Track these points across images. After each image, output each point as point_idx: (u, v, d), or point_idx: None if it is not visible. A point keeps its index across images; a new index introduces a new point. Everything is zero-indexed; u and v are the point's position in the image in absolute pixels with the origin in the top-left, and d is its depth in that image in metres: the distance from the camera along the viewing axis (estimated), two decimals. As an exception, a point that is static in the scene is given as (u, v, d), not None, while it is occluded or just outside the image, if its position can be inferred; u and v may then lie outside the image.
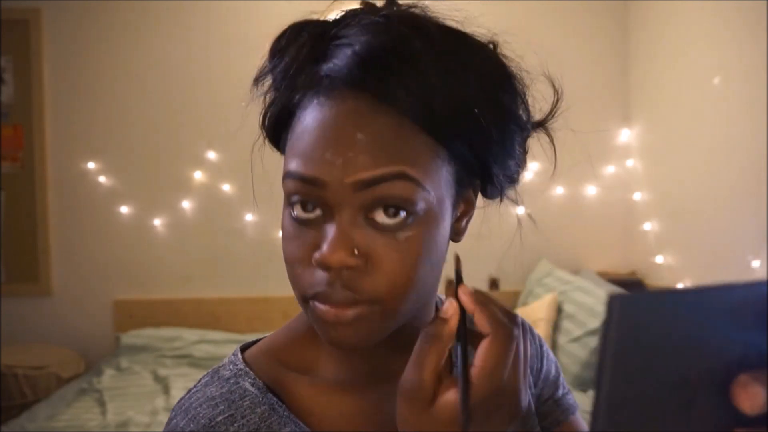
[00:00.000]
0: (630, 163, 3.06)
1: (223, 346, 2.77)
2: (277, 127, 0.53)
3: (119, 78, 3.03)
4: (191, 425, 0.52)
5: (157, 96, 3.04)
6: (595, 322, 2.31)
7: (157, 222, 3.05)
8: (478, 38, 0.51)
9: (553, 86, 0.56)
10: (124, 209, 3.04)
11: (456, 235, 0.54)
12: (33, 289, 3.02)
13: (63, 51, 3.02)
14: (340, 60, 0.47)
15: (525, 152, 0.56)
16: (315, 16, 0.52)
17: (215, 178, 3.03)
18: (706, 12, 2.48)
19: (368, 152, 0.46)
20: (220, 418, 0.53)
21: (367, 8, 0.52)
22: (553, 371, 0.71)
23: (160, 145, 3.04)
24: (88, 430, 2.05)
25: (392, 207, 0.46)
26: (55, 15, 3.01)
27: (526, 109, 0.54)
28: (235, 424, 0.52)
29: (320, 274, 0.47)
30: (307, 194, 0.47)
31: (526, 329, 0.64)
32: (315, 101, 0.48)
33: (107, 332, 3.02)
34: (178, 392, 2.31)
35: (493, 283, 3.08)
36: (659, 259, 2.81)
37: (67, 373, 2.72)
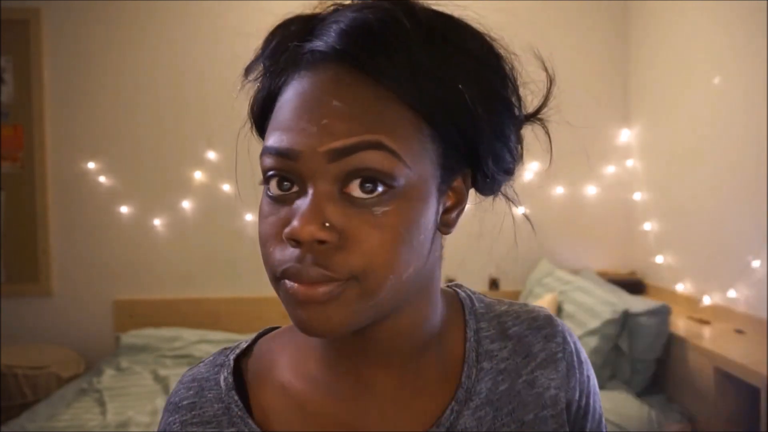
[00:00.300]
0: (630, 163, 3.06)
1: (223, 346, 2.77)
2: (262, 115, 0.51)
3: (119, 78, 3.03)
4: (171, 397, 0.57)
5: (157, 96, 3.04)
6: (595, 322, 2.31)
7: (157, 222, 3.06)
8: (469, 22, 0.50)
9: (545, 69, 0.53)
10: (124, 209, 3.04)
11: (444, 226, 0.51)
12: (33, 289, 3.02)
13: (63, 51, 3.02)
14: (324, 35, 0.46)
15: (519, 143, 0.53)
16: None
17: (215, 178, 3.04)
18: (705, 12, 2.48)
19: (344, 119, 0.44)
20: (185, 402, 0.56)
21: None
22: (597, 408, 0.62)
23: (160, 145, 3.04)
24: (88, 430, 2.05)
25: (369, 181, 0.44)
26: (55, 15, 3.01)
27: (518, 95, 0.51)
28: (192, 413, 0.55)
29: (291, 251, 0.44)
30: (282, 168, 0.46)
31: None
32: (296, 76, 0.47)
33: (107, 332, 3.02)
34: (178, 392, 2.31)
35: (493, 283, 3.08)
36: (659, 259, 2.81)
37: (67, 373, 2.72)
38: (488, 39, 0.50)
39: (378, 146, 0.44)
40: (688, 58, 2.60)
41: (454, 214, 0.52)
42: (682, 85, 2.65)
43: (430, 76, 0.45)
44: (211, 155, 3.03)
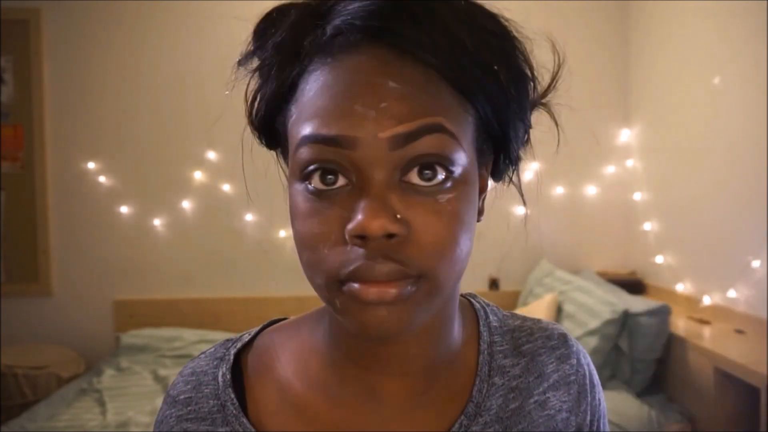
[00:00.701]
0: (630, 163, 3.06)
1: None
2: (270, 113, 0.47)
3: (119, 78, 3.03)
4: (171, 389, 0.55)
5: (157, 96, 3.04)
6: (595, 322, 2.31)
7: (157, 222, 3.06)
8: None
9: (555, 50, 0.51)
10: (124, 209, 3.04)
11: (479, 214, 0.49)
12: (33, 289, 3.02)
13: (63, 51, 3.02)
14: (351, 14, 0.41)
15: (529, 127, 0.52)
16: None
17: (215, 178, 3.04)
18: (705, 12, 2.48)
19: (404, 101, 0.40)
20: (182, 397, 0.54)
21: None
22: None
23: (160, 145, 3.04)
24: (88, 430, 2.05)
25: (428, 167, 0.41)
26: (55, 15, 3.01)
27: (534, 78, 0.49)
28: (188, 408, 0.53)
29: (355, 251, 0.40)
30: (330, 160, 0.41)
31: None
32: (327, 61, 0.42)
33: (107, 332, 3.02)
34: (178, 392, 2.31)
35: (493, 283, 3.08)
36: (659, 259, 2.81)
37: (67, 373, 2.72)
38: (508, 24, 0.48)
39: (440, 129, 0.41)
40: (688, 58, 2.60)
41: (481, 201, 0.50)
42: (682, 85, 2.65)
43: (469, 54, 0.42)
44: (211, 155, 3.03)
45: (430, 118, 0.40)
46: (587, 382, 0.58)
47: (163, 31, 3.05)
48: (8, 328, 2.90)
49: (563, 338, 0.59)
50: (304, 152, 0.42)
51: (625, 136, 3.07)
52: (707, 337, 2.22)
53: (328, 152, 0.41)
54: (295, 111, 0.44)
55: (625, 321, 2.30)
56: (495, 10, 0.47)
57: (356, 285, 0.41)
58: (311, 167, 0.41)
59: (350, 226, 0.39)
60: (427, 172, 0.41)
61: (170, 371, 2.56)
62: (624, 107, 3.10)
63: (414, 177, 0.41)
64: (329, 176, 0.41)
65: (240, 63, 0.48)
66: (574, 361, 0.58)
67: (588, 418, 0.57)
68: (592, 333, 2.30)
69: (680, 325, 2.35)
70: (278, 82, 0.45)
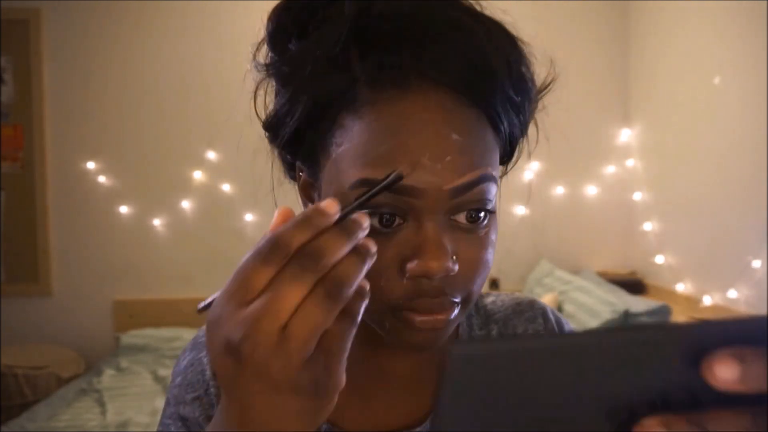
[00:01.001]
0: (630, 163, 3.06)
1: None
2: (301, 131, 0.47)
3: (119, 78, 3.03)
4: (180, 363, 0.59)
5: (157, 96, 3.04)
6: (595, 323, 2.31)
7: (157, 222, 3.05)
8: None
9: (552, 65, 0.54)
10: (124, 209, 3.04)
11: None
12: (33, 289, 3.01)
13: (63, 51, 3.02)
14: (407, 45, 0.43)
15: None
16: None
17: (215, 178, 3.03)
18: (705, 13, 2.48)
19: (465, 154, 0.43)
20: (187, 372, 0.57)
21: None
22: None
23: (160, 145, 3.04)
24: (88, 430, 2.05)
25: (476, 210, 0.45)
26: (55, 15, 3.00)
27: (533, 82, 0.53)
28: (207, 373, 0.56)
29: (412, 283, 0.44)
30: (391, 204, 0.43)
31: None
32: (378, 98, 0.43)
33: (107, 332, 3.02)
34: (178, 392, 2.31)
35: (493, 283, 3.08)
36: (659, 259, 2.81)
37: (67, 373, 2.72)
38: (520, 42, 0.50)
39: (489, 178, 0.45)
40: (688, 58, 2.60)
41: None
42: (682, 85, 2.65)
43: (514, 102, 0.46)
44: (211, 155, 3.03)
45: (483, 169, 0.44)
46: (556, 331, 0.63)
47: (164, 31, 3.05)
48: (8, 328, 2.90)
49: (531, 302, 0.64)
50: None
51: (625, 136, 3.07)
52: (707, 337, 2.22)
53: (390, 198, 0.43)
54: (342, 140, 0.44)
55: (626, 321, 2.29)
56: (508, 26, 0.49)
57: (411, 314, 0.45)
58: (369, 209, 0.43)
59: (413, 266, 0.43)
60: (472, 215, 0.46)
61: (170, 371, 2.56)
62: (624, 107, 3.10)
63: (461, 218, 0.45)
64: (386, 216, 0.44)
65: (258, 67, 0.49)
66: (541, 319, 0.62)
67: None
68: (592, 333, 2.30)
69: (680, 325, 2.34)
70: (315, 104, 0.45)
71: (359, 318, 0.37)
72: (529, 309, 0.63)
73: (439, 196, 0.43)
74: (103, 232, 3.04)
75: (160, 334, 2.86)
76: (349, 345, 0.37)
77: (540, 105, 0.54)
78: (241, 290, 0.34)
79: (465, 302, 0.47)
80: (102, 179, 3.03)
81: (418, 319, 0.45)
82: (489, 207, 0.46)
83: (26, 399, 2.57)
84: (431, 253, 0.43)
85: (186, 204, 3.06)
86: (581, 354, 0.28)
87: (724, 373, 0.26)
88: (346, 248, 0.35)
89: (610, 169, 3.08)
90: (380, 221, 0.44)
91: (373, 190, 0.39)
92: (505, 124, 0.47)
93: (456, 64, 0.43)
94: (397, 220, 0.44)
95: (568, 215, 3.05)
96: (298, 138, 0.48)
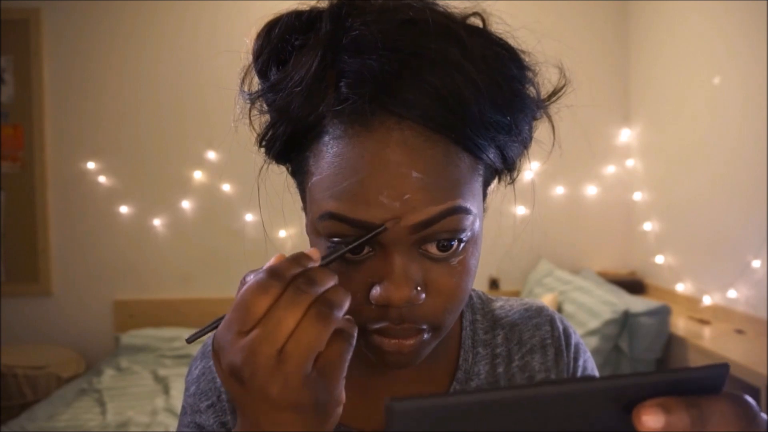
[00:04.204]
0: (630, 163, 3.06)
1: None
2: (287, 146, 0.49)
3: (119, 78, 3.03)
4: (193, 371, 0.61)
5: (157, 96, 3.04)
6: (595, 323, 2.31)
7: (157, 222, 3.05)
8: (490, 30, 0.48)
9: (562, 72, 0.53)
10: (124, 209, 3.04)
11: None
12: (33, 289, 3.02)
13: (63, 51, 3.02)
14: (357, 76, 0.43)
15: (531, 133, 0.53)
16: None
17: (215, 178, 3.04)
18: (705, 12, 2.48)
19: (425, 191, 0.43)
20: (200, 378, 0.60)
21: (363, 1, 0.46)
22: None
23: (160, 145, 3.04)
24: (88, 430, 2.05)
25: (446, 240, 0.45)
26: (55, 15, 3.01)
27: (537, 91, 0.51)
28: (218, 381, 0.58)
29: (380, 310, 0.46)
30: (354, 236, 0.44)
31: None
32: (348, 129, 0.44)
33: (107, 332, 3.02)
34: (178, 392, 2.31)
35: (493, 283, 3.08)
36: (659, 259, 2.81)
37: (67, 373, 2.72)
38: (516, 50, 0.48)
39: (457, 211, 0.44)
40: (688, 58, 2.60)
41: (485, 203, 0.55)
42: (682, 85, 2.65)
43: (486, 119, 0.44)
44: (211, 155, 3.03)
45: (449, 203, 0.44)
46: (563, 342, 0.63)
47: (163, 31, 3.05)
48: (8, 328, 2.90)
49: (540, 309, 0.65)
50: (330, 226, 0.45)
51: (625, 136, 3.07)
52: (707, 337, 2.22)
53: (354, 231, 0.44)
54: (315, 169, 0.46)
55: (626, 321, 2.30)
56: (501, 38, 0.48)
57: (380, 337, 0.47)
58: (337, 239, 0.45)
59: (376, 294, 0.45)
60: (443, 244, 0.45)
61: (170, 371, 2.56)
62: (624, 107, 3.10)
63: (432, 248, 0.46)
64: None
65: (244, 95, 0.50)
66: (548, 327, 0.63)
67: (569, 372, 0.63)
68: (592, 333, 2.30)
69: (680, 325, 2.35)
70: (293, 131, 0.47)
71: (354, 340, 0.41)
72: (537, 315, 0.64)
73: (400, 232, 0.43)
74: (102, 232, 3.04)
75: (159, 334, 2.86)
76: (346, 364, 0.40)
77: (553, 109, 0.53)
78: (240, 318, 0.38)
79: (435, 329, 0.48)
80: (102, 179, 3.03)
81: (386, 341, 0.47)
82: (462, 236, 0.46)
83: (26, 399, 2.57)
84: (394, 283, 0.44)
85: (186, 204, 3.06)
86: (518, 407, 0.29)
87: (650, 422, 0.29)
88: (333, 281, 0.40)
89: (610, 169, 3.08)
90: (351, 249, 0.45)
91: (350, 246, 0.43)
92: (490, 149, 0.46)
93: (421, 98, 0.42)
94: (366, 249, 0.45)
95: (568, 215, 3.05)
96: (285, 158, 0.51)
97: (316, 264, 0.40)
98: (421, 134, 0.43)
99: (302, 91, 0.45)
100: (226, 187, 3.03)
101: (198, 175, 3.05)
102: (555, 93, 0.52)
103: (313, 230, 0.47)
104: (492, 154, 0.47)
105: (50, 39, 3.01)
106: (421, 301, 0.45)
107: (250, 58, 0.49)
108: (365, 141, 0.43)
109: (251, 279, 0.40)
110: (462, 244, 0.46)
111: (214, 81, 3.02)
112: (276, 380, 0.37)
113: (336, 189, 0.44)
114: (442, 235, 0.45)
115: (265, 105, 0.50)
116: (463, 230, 0.45)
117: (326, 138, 0.45)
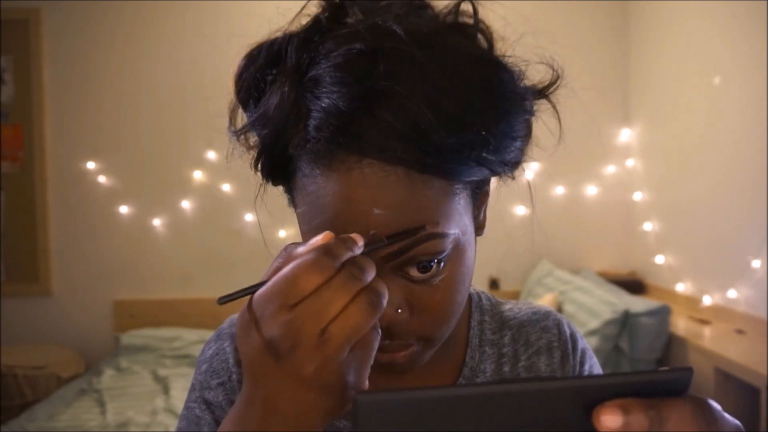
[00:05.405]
0: (630, 163, 3.06)
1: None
2: (275, 175, 0.50)
3: (119, 78, 3.03)
4: (204, 350, 0.63)
5: (157, 96, 3.04)
6: (596, 323, 2.31)
7: (157, 222, 3.06)
8: (461, 36, 0.47)
9: (552, 68, 0.52)
10: (124, 209, 3.04)
11: (479, 230, 0.54)
12: (33, 289, 3.02)
13: (63, 51, 3.02)
14: (320, 120, 0.43)
15: (530, 129, 0.51)
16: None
17: (215, 178, 3.04)
18: (705, 12, 2.48)
19: (390, 224, 0.43)
20: (211, 361, 0.61)
21: (332, 23, 0.46)
22: None
23: (160, 145, 3.04)
24: (88, 430, 2.05)
25: (425, 262, 0.46)
26: (55, 15, 3.01)
27: (529, 92, 0.49)
28: (230, 361, 0.60)
29: None
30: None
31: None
32: (315, 169, 0.45)
33: (107, 332, 3.02)
34: (178, 392, 2.31)
35: (493, 283, 3.08)
36: (659, 259, 2.81)
37: (67, 373, 2.72)
38: (491, 54, 0.47)
39: (430, 237, 0.45)
40: (688, 58, 2.60)
41: (482, 215, 0.55)
42: (682, 85, 2.65)
43: (457, 141, 0.43)
44: (211, 155, 3.03)
45: (422, 230, 0.44)
46: (569, 346, 0.64)
47: (163, 31, 3.05)
48: (8, 328, 2.90)
49: (547, 312, 0.66)
50: None
51: (625, 136, 3.07)
52: (707, 337, 2.22)
53: None
54: (297, 200, 0.48)
55: (626, 321, 2.30)
56: (471, 45, 0.47)
57: None
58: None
59: None
60: (423, 266, 0.46)
61: (170, 371, 2.56)
62: (624, 107, 3.10)
63: (412, 271, 0.46)
64: None
65: (230, 131, 0.51)
66: (556, 330, 0.64)
67: (574, 373, 0.64)
68: (592, 333, 2.30)
69: (680, 325, 2.35)
70: (272, 156, 0.48)
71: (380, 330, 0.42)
72: (545, 319, 0.65)
73: (375, 260, 0.43)
74: (102, 232, 3.04)
75: (159, 334, 2.86)
76: (375, 352, 0.41)
77: (547, 105, 0.52)
78: (286, 292, 0.38)
79: (427, 341, 0.49)
80: (102, 179, 3.03)
81: (379, 355, 0.47)
82: (442, 257, 0.46)
83: (26, 399, 2.57)
84: None
85: (186, 204, 3.06)
86: (482, 403, 0.30)
87: (608, 421, 0.30)
88: (375, 272, 0.40)
89: (610, 169, 3.08)
90: None
91: (388, 243, 0.44)
92: (465, 168, 0.44)
93: (376, 135, 0.42)
94: None
95: (568, 215, 3.05)
96: (276, 183, 0.52)
97: (361, 250, 0.40)
98: (381, 170, 0.43)
99: (274, 131, 0.46)
100: (226, 187, 3.03)
101: (198, 175, 3.05)
102: (551, 85, 0.51)
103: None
104: (469, 172, 0.45)
105: (50, 39, 3.01)
106: (404, 320, 0.47)
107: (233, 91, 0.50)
108: (328, 180, 0.44)
109: (302, 253, 0.39)
110: (443, 263, 0.47)
111: (215, 80, 3.02)
112: (313, 359, 0.37)
113: (312, 225, 0.46)
114: (420, 258, 0.45)
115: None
116: (441, 252, 0.46)
117: (299, 174, 0.47)
